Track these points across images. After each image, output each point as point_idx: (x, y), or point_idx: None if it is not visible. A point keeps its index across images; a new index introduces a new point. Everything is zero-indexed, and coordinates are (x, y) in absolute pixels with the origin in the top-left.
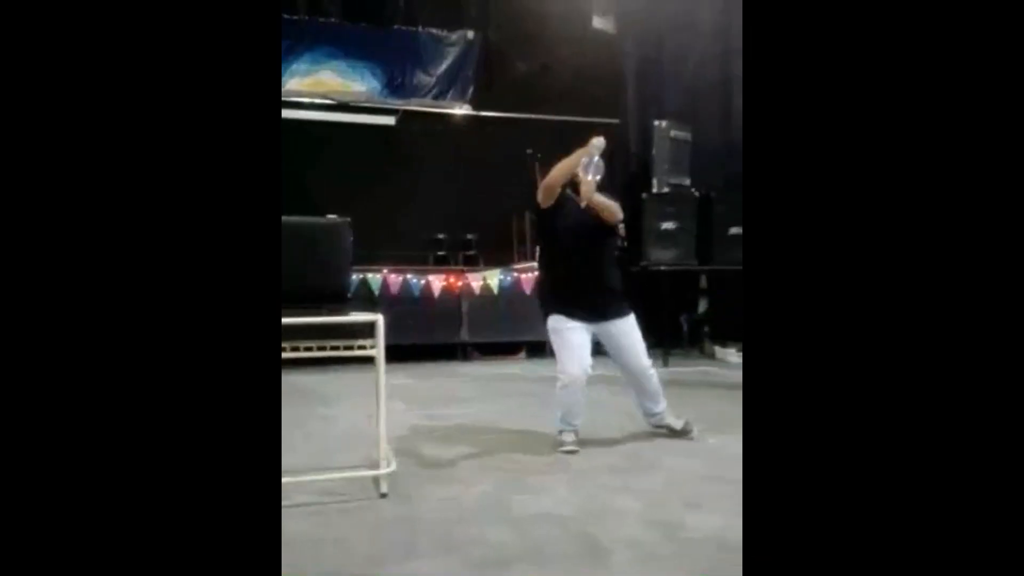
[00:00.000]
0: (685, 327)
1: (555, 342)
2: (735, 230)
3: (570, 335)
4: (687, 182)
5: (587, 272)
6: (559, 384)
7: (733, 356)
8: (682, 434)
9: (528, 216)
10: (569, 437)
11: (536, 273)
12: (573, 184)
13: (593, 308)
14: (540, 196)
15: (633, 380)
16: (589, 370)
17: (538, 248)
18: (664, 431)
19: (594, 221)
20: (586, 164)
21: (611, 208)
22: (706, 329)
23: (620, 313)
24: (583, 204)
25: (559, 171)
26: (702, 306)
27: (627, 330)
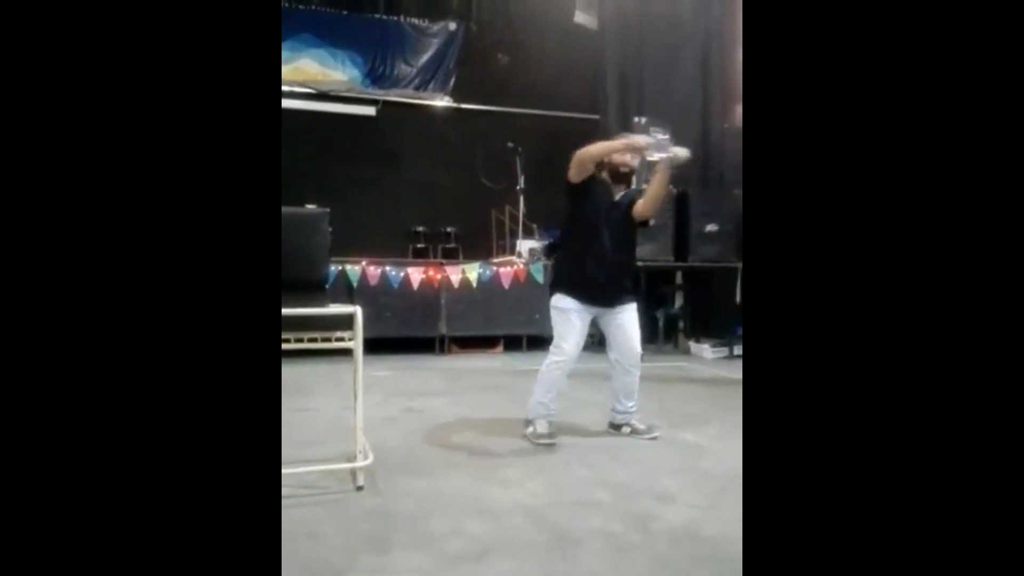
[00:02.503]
0: (660, 322)
1: (556, 319)
2: (711, 227)
3: (573, 316)
4: None
5: (608, 262)
6: (549, 360)
7: (708, 352)
8: (644, 433)
9: (508, 210)
10: (543, 427)
11: (551, 256)
12: (614, 172)
13: (604, 296)
14: (571, 169)
15: (620, 369)
16: (578, 353)
17: (561, 229)
18: (627, 432)
19: (622, 214)
20: (653, 145)
21: (658, 203)
22: (681, 325)
23: (628, 300)
24: (657, 160)
25: (597, 147)
26: (677, 302)
27: (631, 317)
